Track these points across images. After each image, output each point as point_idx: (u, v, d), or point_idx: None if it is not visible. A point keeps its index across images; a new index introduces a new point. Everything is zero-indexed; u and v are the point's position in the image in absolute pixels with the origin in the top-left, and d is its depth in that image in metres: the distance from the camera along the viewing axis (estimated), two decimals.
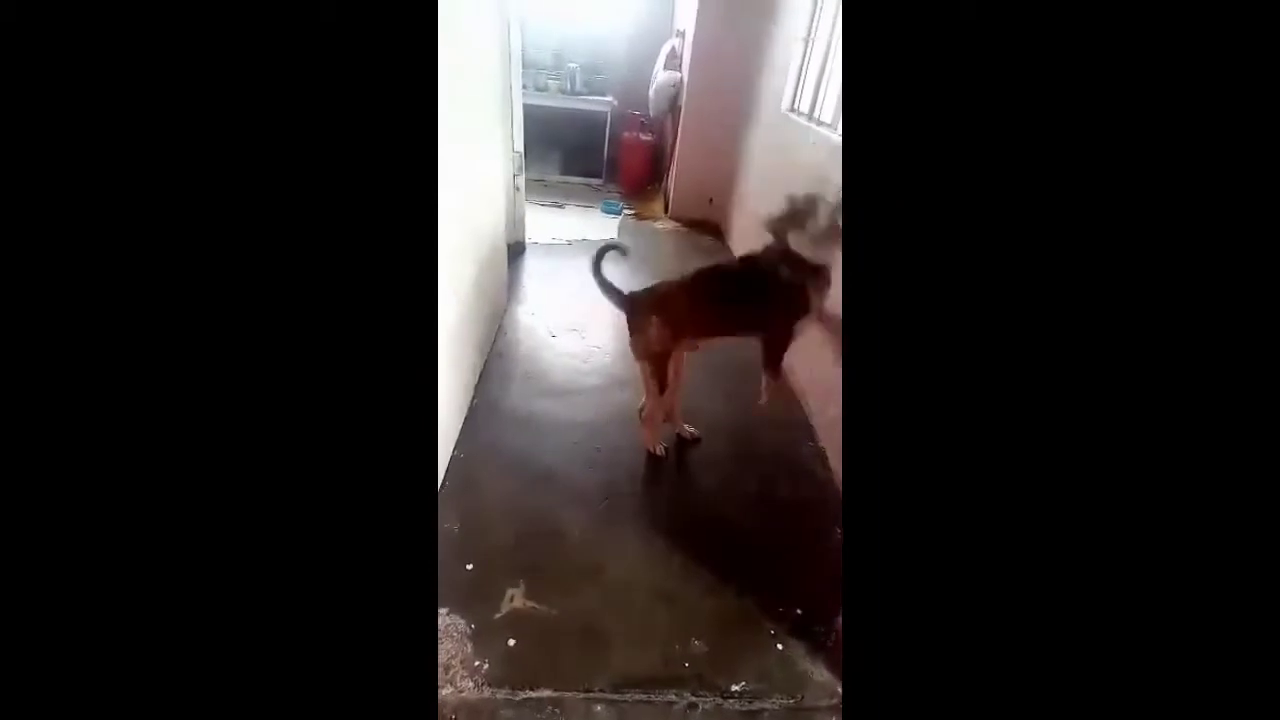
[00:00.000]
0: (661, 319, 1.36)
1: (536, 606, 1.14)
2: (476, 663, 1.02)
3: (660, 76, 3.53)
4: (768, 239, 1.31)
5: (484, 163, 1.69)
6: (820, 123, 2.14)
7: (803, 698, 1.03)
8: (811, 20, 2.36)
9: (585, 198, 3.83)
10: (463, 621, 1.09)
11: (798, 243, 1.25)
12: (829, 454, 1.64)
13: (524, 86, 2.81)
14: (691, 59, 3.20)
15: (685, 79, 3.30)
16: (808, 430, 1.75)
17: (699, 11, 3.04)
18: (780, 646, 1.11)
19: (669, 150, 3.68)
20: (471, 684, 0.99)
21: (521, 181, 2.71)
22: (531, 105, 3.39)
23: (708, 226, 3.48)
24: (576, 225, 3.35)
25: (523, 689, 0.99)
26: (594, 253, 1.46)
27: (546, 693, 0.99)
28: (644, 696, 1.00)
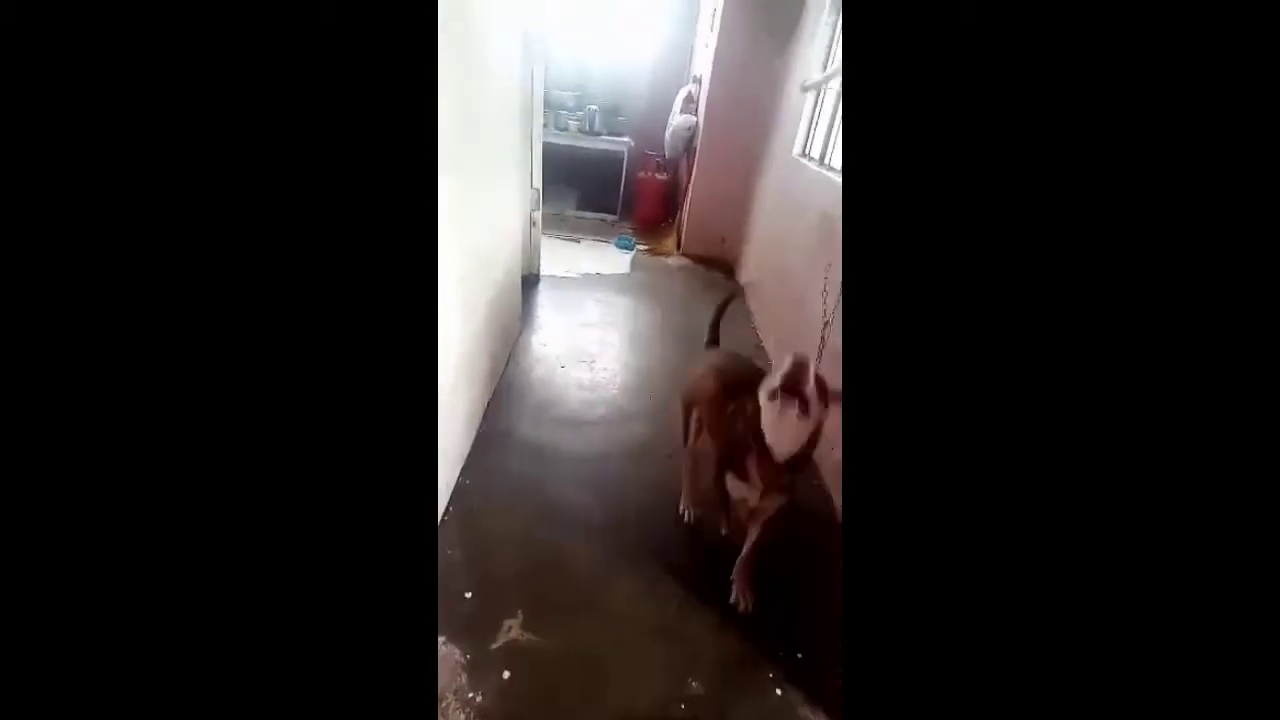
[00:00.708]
0: (688, 406, 1.45)
1: (534, 638, 1.13)
2: (470, 694, 1.01)
3: (677, 119, 3.66)
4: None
5: (501, 198, 1.76)
6: (830, 168, 2.20)
7: None
8: (824, 67, 2.46)
9: (600, 233, 3.93)
10: (458, 650, 1.08)
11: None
12: (833, 495, 1.62)
13: (545, 125, 2.94)
14: (707, 104, 3.33)
15: (701, 123, 3.42)
16: (812, 469, 1.74)
17: (715, 60, 3.18)
18: (779, 691, 1.09)
19: (683, 190, 3.79)
20: (464, 716, 0.98)
21: (538, 216, 2.80)
22: (552, 144, 3.53)
23: (719, 264, 3.55)
24: (591, 259, 3.44)
25: None
26: (717, 309, 1.58)
27: None
28: None
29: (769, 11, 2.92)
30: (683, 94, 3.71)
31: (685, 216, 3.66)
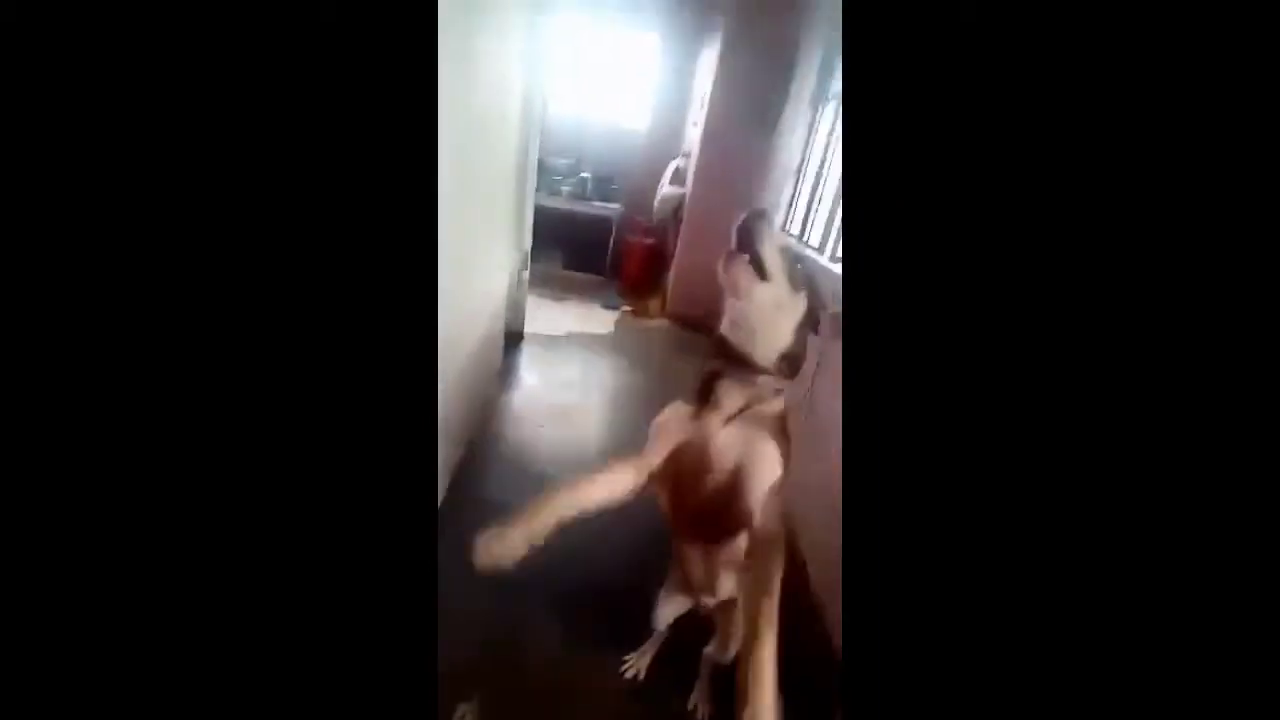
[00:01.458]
0: None
1: None
2: None
3: (665, 190, 3.84)
4: None
5: (488, 258, 1.79)
6: (808, 245, 2.30)
7: None
8: (803, 155, 2.62)
9: (587, 292, 4.00)
10: None
11: None
12: (834, 637, 1.42)
13: (539, 189, 3.05)
14: (694, 179, 3.50)
15: (688, 195, 3.58)
16: (815, 612, 1.50)
17: (703, 139, 3.38)
18: None
19: (669, 255, 3.91)
20: None
21: (526, 276, 2.84)
22: (544, 206, 3.65)
23: (702, 328, 3.61)
24: (576, 318, 3.47)
25: None
26: None
27: None
28: None
29: (753, 100, 3.14)
30: (672, 167, 3.91)
31: (671, 281, 3.75)
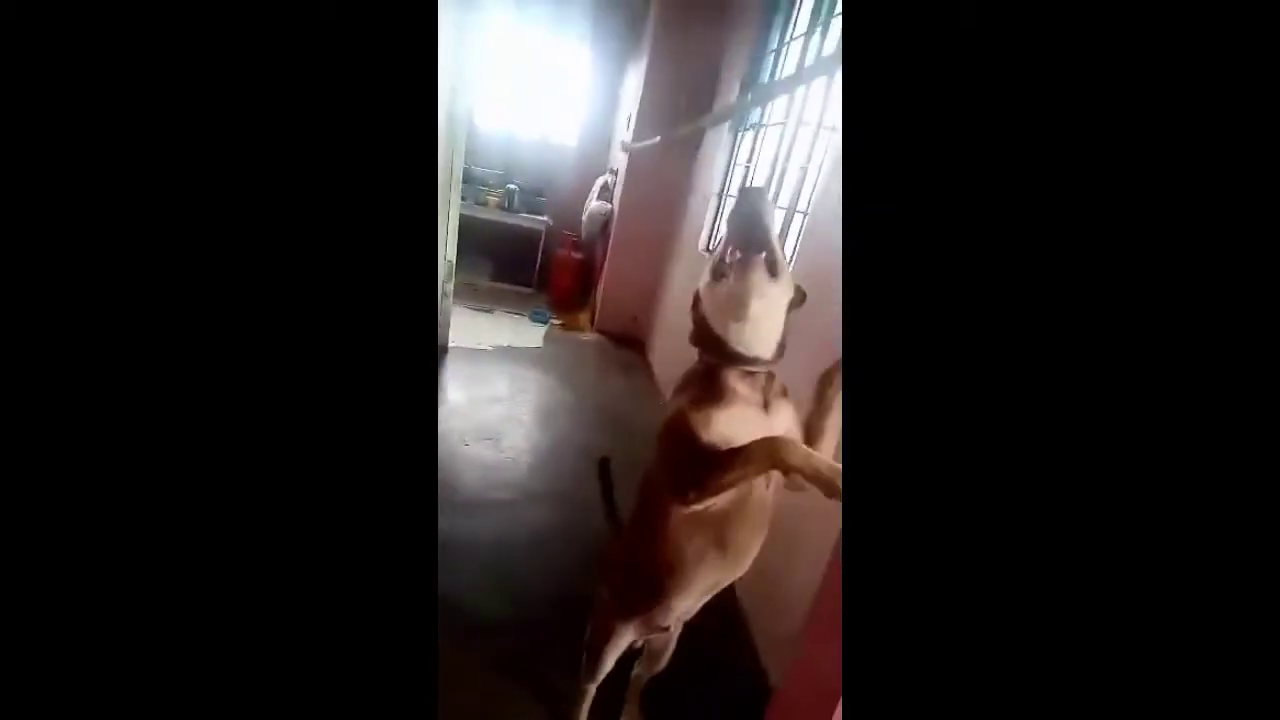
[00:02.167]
0: None
1: None
2: None
3: (593, 205, 3.87)
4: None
5: None
6: None
7: None
8: (725, 179, 2.75)
9: (515, 304, 3.92)
10: None
11: None
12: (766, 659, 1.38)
13: (464, 200, 2.97)
14: (621, 196, 3.56)
15: (615, 211, 3.63)
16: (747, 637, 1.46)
17: (629, 158, 3.45)
18: None
19: (597, 269, 3.93)
20: None
21: (450, 288, 2.75)
22: (471, 217, 3.56)
23: (631, 342, 3.65)
24: (503, 331, 3.39)
25: None
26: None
27: None
28: None
29: (677, 120, 3.26)
30: (599, 182, 3.95)
31: (599, 295, 3.77)
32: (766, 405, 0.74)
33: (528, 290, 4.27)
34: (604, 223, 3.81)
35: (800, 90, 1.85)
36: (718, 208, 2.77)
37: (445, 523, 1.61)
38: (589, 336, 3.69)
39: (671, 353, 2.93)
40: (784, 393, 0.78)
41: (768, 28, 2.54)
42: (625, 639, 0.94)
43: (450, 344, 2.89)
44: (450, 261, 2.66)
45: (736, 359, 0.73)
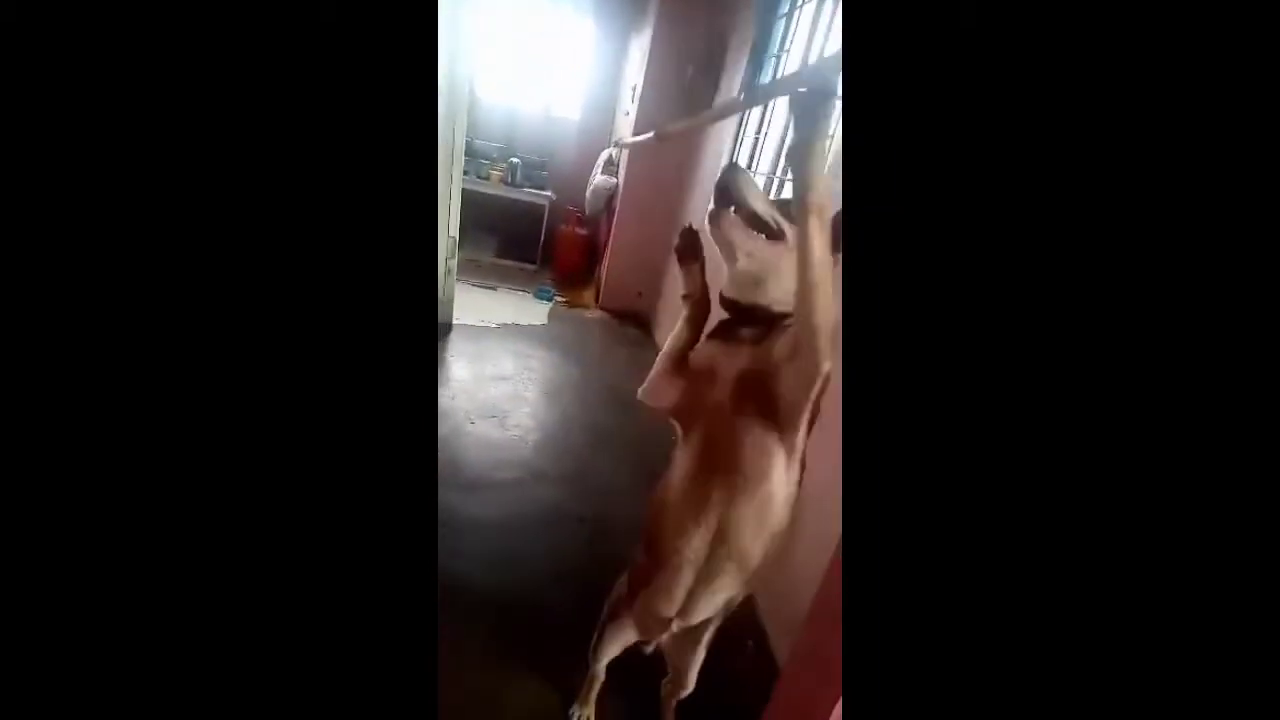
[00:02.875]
0: None
1: None
2: None
3: (598, 180, 3.79)
4: None
5: None
6: None
7: None
8: (733, 149, 2.67)
9: (519, 281, 3.89)
10: None
11: None
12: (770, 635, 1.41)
13: (466, 174, 2.91)
14: (627, 170, 3.48)
15: (621, 186, 3.56)
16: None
17: (634, 130, 3.36)
18: None
19: (602, 246, 3.88)
20: None
21: (454, 264, 2.72)
22: (473, 191, 3.50)
23: (636, 319, 3.62)
24: (508, 308, 3.37)
25: None
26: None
27: None
28: None
29: (683, 95, 3.16)
30: (604, 156, 3.86)
31: (604, 271, 3.73)
32: (764, 352, 0.72)
33: (531, 267, 4.23)
34: (609, 198, 3.74)
35: (811, 58, 1.77)
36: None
37: (452, 501, 1.62)
38: (594, 314, 3.66)
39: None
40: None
41: None
42: (627, 621, 0.94)
43: (455, 321, 2.88)
44: (453, 238, 2.63)
45: (732, 309, 0.78)
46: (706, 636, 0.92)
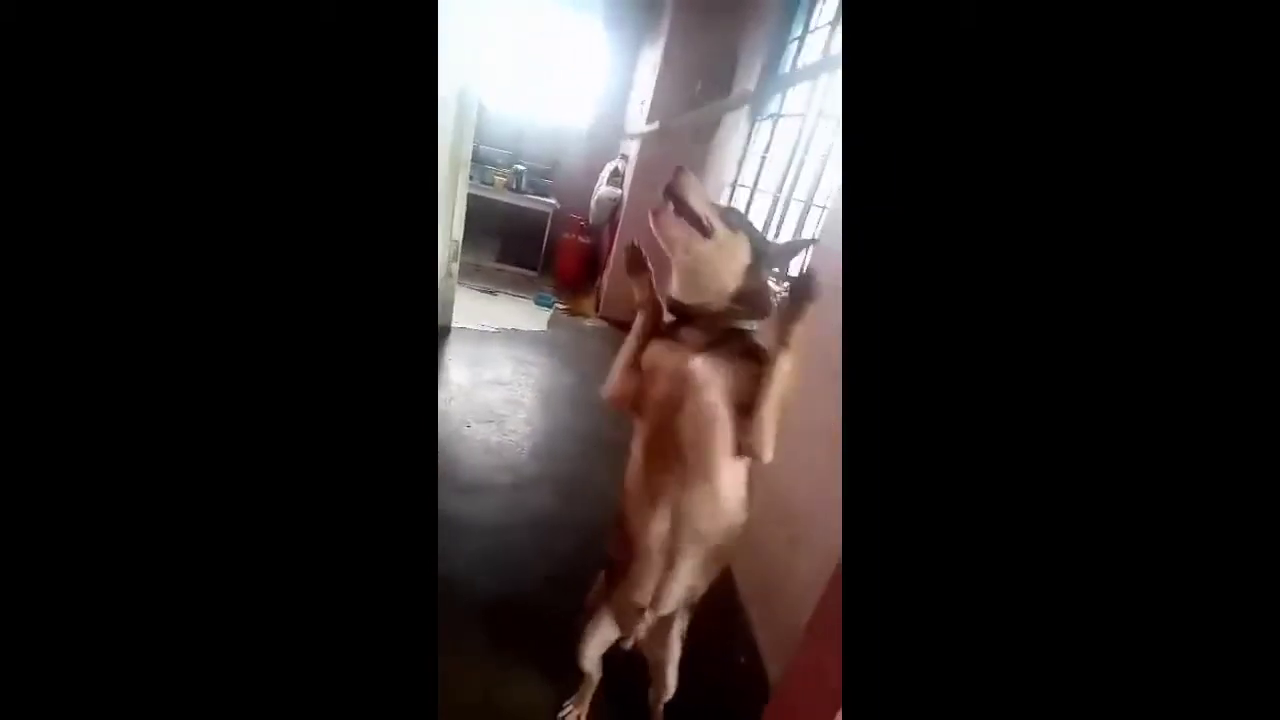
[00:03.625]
0: None
1: None
2: None
3: (602, 190, 3.82)
4: None
5: None
6: None
7: None
8: (738, 171, 2.71)
9: (519, 287, 3.90)
10: None
11: None
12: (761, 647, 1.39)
13: (471, 179, 2.93)
14: (632, 181, 3.51)
15: (625, 198, 3.58)
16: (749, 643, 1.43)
17: (641, 145, 3.39)
18: None
19: (604, 256, 3.90)
20: None
21: (455, 268, 2.72)
22: (476, 196, 3.51)
23: None
24: (507, 313, 3.37)
25: None
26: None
27: None
28: None
29: (692, 109, 3.20)
30: (609, 167, 3.90)
31: (605, 281, 3.74)
32: (703, 352, 0.78)
33: (532, 273, 4.24)
34: (613, 209, 3.77)
35: (822, 80, 1.81)
36: (730, 198, 2.73)
37: (448, 505, 1.61)
38: (593, 322, 3.67)
39: None
40: (746, 354, 0.78)
41: (790, 15, 2.48)
42: (606, 617, 0.98)
43: (454, 325, 2.88)
44: (456, 242, 2.63)
45: (677, 309, 0.83)
46: (678, 627, 0.96)
